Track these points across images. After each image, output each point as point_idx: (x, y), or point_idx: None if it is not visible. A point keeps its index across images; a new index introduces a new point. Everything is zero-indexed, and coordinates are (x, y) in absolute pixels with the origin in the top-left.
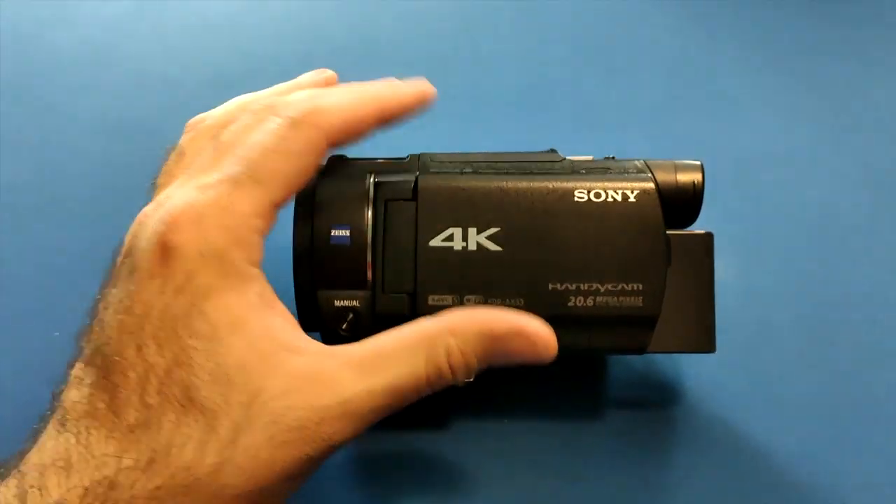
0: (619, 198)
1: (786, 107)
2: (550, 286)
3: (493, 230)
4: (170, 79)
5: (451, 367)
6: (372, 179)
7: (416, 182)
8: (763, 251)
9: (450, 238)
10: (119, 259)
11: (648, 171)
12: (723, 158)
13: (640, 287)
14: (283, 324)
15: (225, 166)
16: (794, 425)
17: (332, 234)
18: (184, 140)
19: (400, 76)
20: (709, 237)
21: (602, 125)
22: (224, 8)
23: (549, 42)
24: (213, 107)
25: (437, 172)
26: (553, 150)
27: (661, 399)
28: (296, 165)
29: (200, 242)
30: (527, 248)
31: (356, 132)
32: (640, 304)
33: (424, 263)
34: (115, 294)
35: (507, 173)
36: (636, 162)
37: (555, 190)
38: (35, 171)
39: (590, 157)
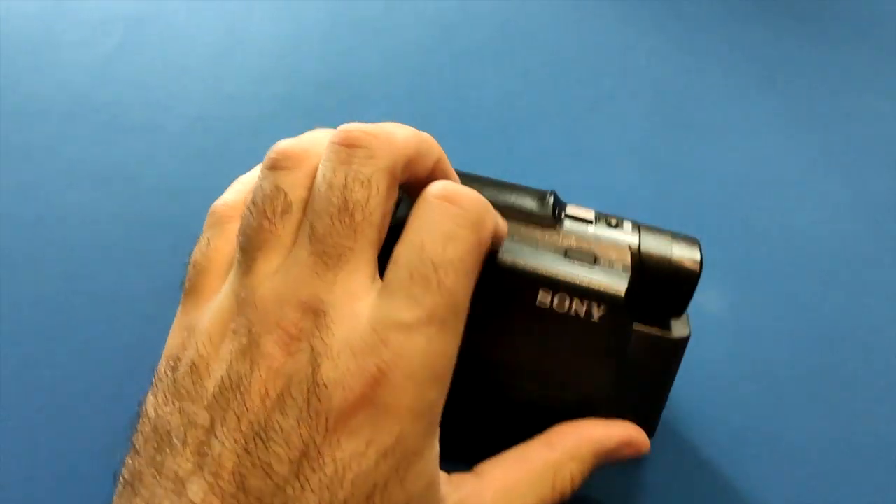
0: (582, 313)
1: (774, 133)
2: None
3: None
4: (149, 124)
5: (572, 488)
6: None
7: None
8: (751, 277)
9: None
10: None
11: (630, 268)
12: (710, 184)
13: (585, 394)
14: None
15: (425, 299)
16: (783, 453)
17: None
18: (283, 182)
19: (385, 113)
20: (681, 342)
21: (590, 153)
22: (203, 51)
23: (534, 72)
24: (196, 153)
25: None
26: (553, 193)
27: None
28: (475, 280)
29: (415, 400)
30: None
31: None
32: (583, 406)
33: None
34: (281, 429)
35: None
36: (628, 245)
37: (522, 276)
38: (12, 216)
39: (590, 213)
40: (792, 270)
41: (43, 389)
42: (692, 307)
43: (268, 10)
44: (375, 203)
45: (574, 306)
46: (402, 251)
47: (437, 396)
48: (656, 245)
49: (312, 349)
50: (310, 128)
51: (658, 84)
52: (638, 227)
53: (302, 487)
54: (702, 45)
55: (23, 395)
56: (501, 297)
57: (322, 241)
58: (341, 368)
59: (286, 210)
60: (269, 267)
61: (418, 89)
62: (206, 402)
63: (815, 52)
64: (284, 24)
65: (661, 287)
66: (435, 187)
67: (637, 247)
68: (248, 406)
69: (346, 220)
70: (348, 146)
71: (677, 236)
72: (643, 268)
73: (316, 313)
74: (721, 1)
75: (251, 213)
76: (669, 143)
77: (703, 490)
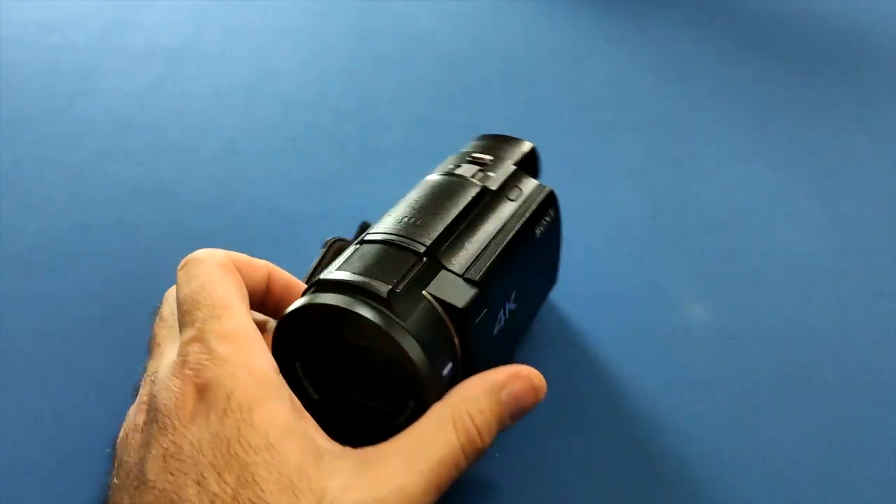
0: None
1: (760, 164)
2: None
3: None
4: (185, 146)
5: (477, 429)
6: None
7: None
8: (734, 292)
9: None
10: (133, 432)
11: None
12: (699, 208)
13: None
14: (316, 427)
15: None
16: (764, 459)
17: None
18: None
19: (400, 139)
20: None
21: (589, 178)
22: (235, 81)
23: (538, 103)
24: (227, 173)
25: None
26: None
27: (639, 432)
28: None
29: (228, 365)
30: None
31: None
32: None
33: None
34: (153, 454)
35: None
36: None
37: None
38: (61, 230)
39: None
40: (773, 287)
41: (90, 383)
42: (679, 320)
43: (295, 45)
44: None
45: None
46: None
47: (250, 356)
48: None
49: (151, 383)
50: (332, 151)
51: (654, 118)
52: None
53: (172, 473)
54: (695, 83)
55: (73, 386)
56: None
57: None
58: (174, 382)
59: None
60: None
61: (431, 118)
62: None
63: (799, 92)
64: (310, 57)
65: None
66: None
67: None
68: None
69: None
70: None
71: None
72: None
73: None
74: (714, 43)
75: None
76: (663, 171)
77: (687, 485)
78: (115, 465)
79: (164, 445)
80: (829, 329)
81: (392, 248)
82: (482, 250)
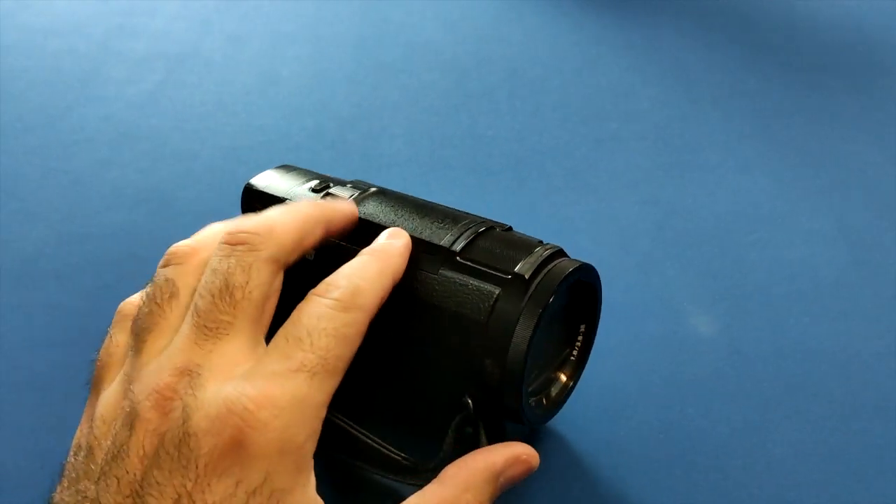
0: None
1: (766, 174)
2: None
3: None
4: (187, 153)
5: None
6: None
7: None
8: (740, 303)
9: None
10: (146, 437)
11: None
12: (705, 218)
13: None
14: None
15: (296, 354)
16: (770, 475)
17: None
18: (173, 274)
19: (402, 147)
20: None
21: (594, 188)
22: (237, 88)
23: (543, 113)
24: (228, 181)
25: None
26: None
27: (642, 445)
28: (352, 351)
29: (283, 441)
30: None
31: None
32: None
33: None
34: (157, 482)
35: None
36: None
37: None
38: (61, 238)
39: None
40: (779, 299)
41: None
42: (685, 332)
43: (297, 53)
44: (255, 284)
45: None
46: (283, 326)
47: (304, 438)
48: None
49: (185, 406)
50: (334, 159)
51: (659, 127)
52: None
53: None
54: (701, 92)
55: (72, 396)
56: None
57: (203, 317)
58: (211, 417)
59: (173, 295)
60: (158, 346)
61: (434, 126)
62: (95, 477)
63: (806, 102)
64: (313, 65)
65: None
66: (317, 289)
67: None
68: (127, 468)
69: (227, 298)
70: (233, 244)
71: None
72: None
73: (191, 375)
74: (720, 53)
75: (144, 302)
76: (668, 181)
77: (691, 494)
78: (79, 456)
79: (173, 484)
80: (836, 343)
81: None
82: None
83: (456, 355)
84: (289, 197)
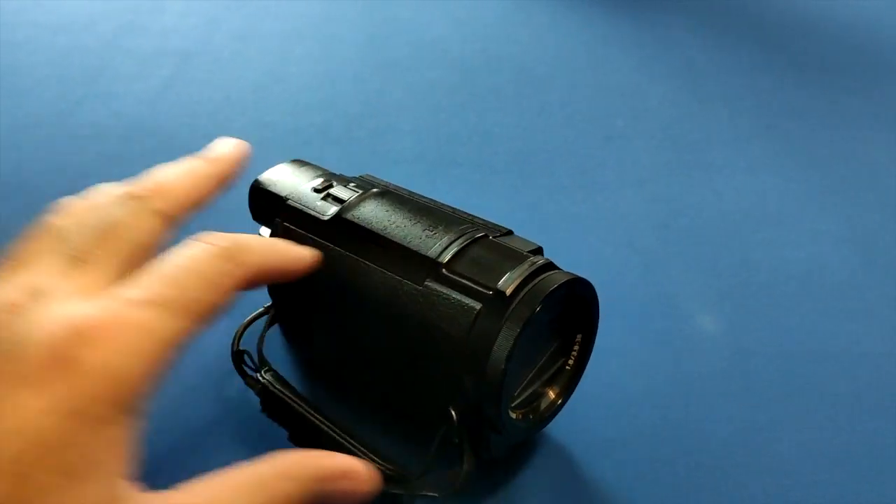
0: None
1: (774, 173)
2: None
3: None
4: (195, 149)
5: None
6: None
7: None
8: (746, 302)
9: None
10: None
11: None
12: (711, 217)
13: None
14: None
15: (153, 285)
16: (774, 475)
17: None
18: (54, 216)
19: (409, 144)
20: None
21: (601, 185)
22: (246, 84)
23: (550, 111)
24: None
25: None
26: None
27: (647, 441)
28: (220, 302)
29: (114, 367)
30: None
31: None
32: None
33: None
34: None
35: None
36: None
37: None
38: None
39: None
40: (786, 298)
41: None
42: (690, 331)
43: (306, 50)
44: (135, 228)
45: None
46: (153, 262)
47: (139, 372)
48: None
49: (27, 318)
50: (342, 154)
51: (667, 126)
52: None
53: None
54: (709, 91)
55: None
56: None
57: (74, 248)
58: (46, 330)
59: (49, 231)
60: (27, 275)
61: (441, 124)
62: None
63: (815, 101)
64: (320, 63)
65: None
66: (202, 236)
67: None
68: None
69: (104, 235)
70: (123, 195)
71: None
72: None
73: (44, 294)
74: (729, 52)
75: (24, 238)
76: (675, 179)
77: (695, 493)
78: None
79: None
80: (842, 342)
81: None
82: None
83: (438, 369)
84: (291, 197)
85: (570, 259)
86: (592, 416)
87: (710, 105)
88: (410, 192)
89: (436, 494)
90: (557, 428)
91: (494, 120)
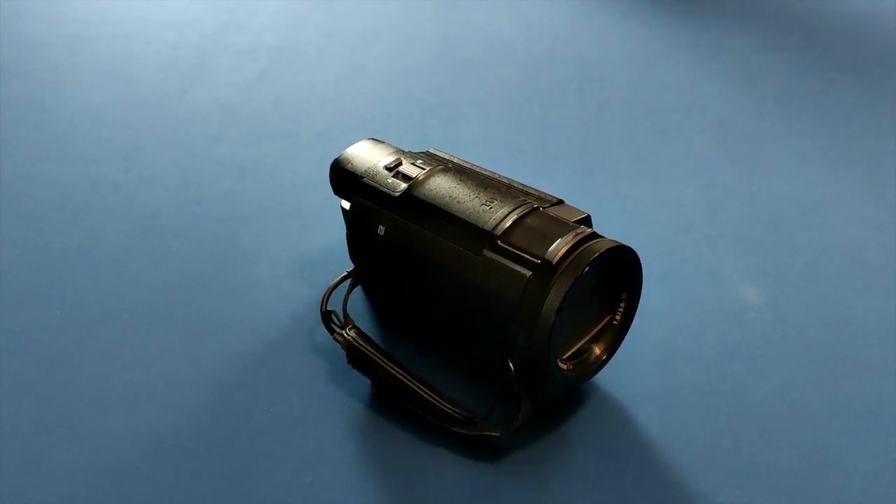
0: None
1: (821, 165)
2: None
3: None
4: (285, 132)
5: None
6: None
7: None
8: (789, 280)
9: None
10: None
11: None
12: (760, 203)
13: None
14: None
15: None
16: (810, 427)
17: None
18: None
19: (478, 134)
20: None
21: (656, 174)
22: (329, 76)
23: (609, 105)
24: (321, 157)
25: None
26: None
27: (692, 394)
28: None
29: None
30: None
31: None
32: None
33: None
34: None
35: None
36: None
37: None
38: (177, 199)
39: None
40: (827, 277)
41: (207, 322)
42: (734, 301)
43: (384, 47)
44: None
45: None
46: None
47: None
48: None
49: None
50: (416, 140)
51: (721, 121)
52: None
53: None
54: (763, 90)
55: (190, 320)
56: None
57: None
58: None
59: None
60: None
61: (509, 117)
62: None
63: (863, 98)
64: (397, 59)
65: None
66: None
67: None
68: None
69: None
70: None
71: None
72: None
73: None
74: (784, 53)
75: None
76: (726, 168)
77: (735, 441)
78: None
79: None
80: (878, 315)
81: None
82: None
83: (496, 327)
84: (367, 175)
85: (623, 236)
86: (641, 369)
87: (763, 102)
88: (472, 165)
89: (498, 434)
90: (607, 379)
91: (557, 113)
